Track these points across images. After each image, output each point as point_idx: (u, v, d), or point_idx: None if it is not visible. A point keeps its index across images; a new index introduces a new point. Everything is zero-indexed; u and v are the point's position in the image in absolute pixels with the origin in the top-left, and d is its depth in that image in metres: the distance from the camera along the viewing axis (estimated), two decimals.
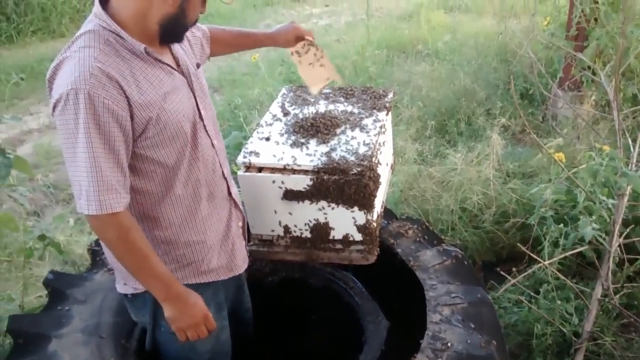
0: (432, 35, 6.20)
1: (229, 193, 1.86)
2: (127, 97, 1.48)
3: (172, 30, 1.58)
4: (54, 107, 1.47)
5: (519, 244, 2.62)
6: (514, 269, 2.78)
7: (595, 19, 3.88)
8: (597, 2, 3.81)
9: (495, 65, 5.02)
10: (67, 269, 2.96)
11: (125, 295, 1.78)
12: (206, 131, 1.73)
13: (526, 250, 2.50)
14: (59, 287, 2.06)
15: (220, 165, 1.81)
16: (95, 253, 2.26)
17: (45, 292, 2.13)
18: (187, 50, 1.76)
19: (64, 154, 1.49)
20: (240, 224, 1.93)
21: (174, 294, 1.62)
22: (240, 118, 4.22)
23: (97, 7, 1.54)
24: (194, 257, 1.75)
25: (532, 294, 2.64)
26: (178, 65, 1.68)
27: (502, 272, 2.66)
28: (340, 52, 6.18)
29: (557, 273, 2.55)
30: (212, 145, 1.76)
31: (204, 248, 1.76)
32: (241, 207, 1.92)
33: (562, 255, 2.64)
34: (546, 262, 2.55)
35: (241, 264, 1.92)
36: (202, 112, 1.72)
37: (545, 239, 2.72)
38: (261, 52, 6.47)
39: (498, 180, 3.28)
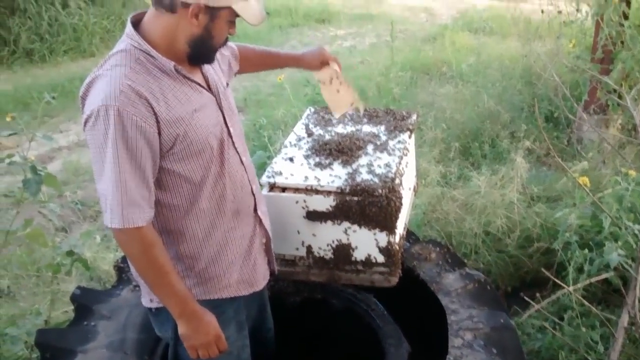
0: (457, 57, 6.21)
1: (255, 210, 1.88)
2: (155, 114, 1.52)
3: (199, 51, 1.62)
4: (85, 123, 1.52)
5: (543, 269, 2.59)
6: (538, 295, 2.74)
7: (622, 42, 3.86)
8: (623, 25, 3.79)
9: (520, 87, 5.00)
10: (94, 285, 3.00)
11: (150, 309, 1.80)
12: (235, 148, 1.77)
13: (550, 276, 2.47)
14: (85, 303, 2.10)
15: (249, 182, 1.83)
16: (121, 270, 2.30)
17: (72, 307, 2.17)
18: (216, 70, 1.81)
19: (93, 168, 1.54)
20: (264, 240, 1.94)
21: (190, 312, 1.64)
22: (265, 138, 4.26)
23: (129, 28, 1.59)
24: (216, 272, 1.77)
25: (556, 320, 2.60)
26: (208, 83, 1.72)
27: (525, 298, 2.63)
28: (364, 74, 6.22)
29: (582, 299, 2.50)
30: (241, 161, 1.79)
31: (225, 263, 1.78)
32: (267, 224, 1.94)
33: (587, 282, 2.61)
34: (571, 288, 2.51)
35: (261, 280, 1.93)
36: (231, 129, 1.75)
37: (569, 264, 2.68)
38: (286, 73, 6.54)
39: (522, 203, 3.26)
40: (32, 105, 5.93)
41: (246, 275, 1.85)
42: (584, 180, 2.83)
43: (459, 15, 9.07)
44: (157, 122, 1.53)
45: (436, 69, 5.99)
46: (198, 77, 1.69)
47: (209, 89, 1.72)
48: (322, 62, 2.10)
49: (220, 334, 1.70)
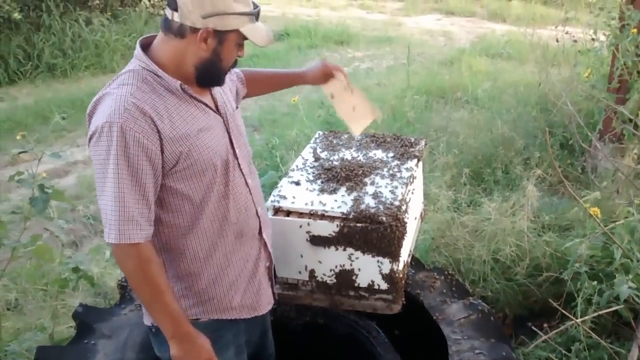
0: (473, 81, 6.20)
1: (260, 233, 1.88)
2: (159, 131, 1.54)
3: (208, 74, 1.65)
4: (90, 139, 1.55)
5: (551, 300, 2.55)
6: (545, 325, 2.69)
7: (638, 72, 3.82)
8: (639, 56, 3.76)
9: (535, 114, 4.97)
10: (98, 301, 3.02)
11: (150, 328, 1.79)
12: (240, 170, 1.78)
13: (558, 307, 2.43)
14: (86, 321, 2.11)
15: (254, 204, 1.83)
16: (124, 288, 2.31)
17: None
18: (225, 92, 1.82)
19: (96, 183, 1.56)
20: (268, 264, 1.93)
21: (183, 333, 1.63)
22: (277, 158, 4.29)
23: (138, 50, 1.63)
24: (216, 293, 1.77)
25: (563, 351, 2.56)
26: (216, 105, 1.74)
27: (533, 327, 2.59)
28: (380, 96, 6.24)
29: (590, 332, 2.46)
30: (246, 183, 1.80)
31: (226, 284, 1.78)
32: (270, 248, 1.93)
33: (596, 314, 2.56)
34: (579, 320, 2.47)
35: (265, 305, 1.92)
36: (237, 150, 1.76)
37: (579, 295, 2.64)
38: (301, 94, 6.60)
39: (532, 232, 3.22)
40: (51, 119, 6.01)
41: (249, 299, 1.85)
42: (595, 210, 2.80)
43: (478, 40, 9.09)
44: (160, 139, 1.55)
45: (451, 93, 5.97)
46: (207, 99, 1.71)
47: (217, 110, 1.74)
48: (325, 74, 2.10)
49: (212, 357, 1.68)
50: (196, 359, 1.65)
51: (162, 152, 1.56)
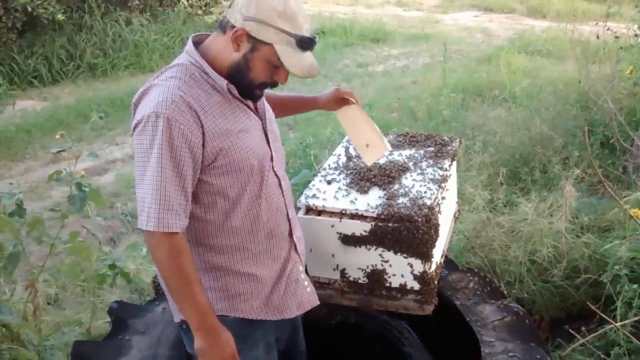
0: (511, 79, 6.09)
1: (290, 234, 1.88)
2: (202, 126, 1.57)
3: (236, 79, 1.65)
4: (135, 128, 1.58)
5: (588, 303, 2.49)
6: (583, 328, 2.64)
7: None
8: None
9: (575, 112, 4.85)
10: (134, 297, 3.08)
11: (181, 325, 1.81)
12: (274, 172, 1.79)
13: (596, 310, 2.37)
14: (121, 317, 2.15)
15: (286, 206, 1.84)
16: (159, 285, 2.34)
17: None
18: (264, 101, 1.84)
19: (135, 172, 1.59)
20: (301, 267, 1.92)
21: (208, 326, 1.64)
22: (311, 157, 4.29)
23: (189, 45, 1.66)
24: (243, 289, 1.77)
25: (602, 355, 2.49)
26: (256, 108, 1.76)
27: (570, 330, 2.53)
28: (415, 94, 6.19)
29: (630, 336, 2.40)
30: (280, 185, 1.81)
31: (253, 282, 1.78)
32: (301, 251, 1.92)
33: (637, 318, 2.49)
34: (618, 324, 2.41)
35: (294, 309, 1.88)
36: (273, 153, 1.78)
37: (618, 298, 2.57)
38: None
39: (570, 233, 3.14)
40: (92, 118, 6.16)
41: (276, 301, 1.83)
42: (636, 212, 2.72)
43: (517, 37, 8.93)
44: (203, 134, 1.58)
45: (489, 91, 5.88)
46: (249, 101, 1.73)
47: (257, 113, 1.76)
48: (337, 99, 2.06)
49: (235, 354, 1.68)
50: (220, 353, 1.65)
51: (204, 146, 1.59)
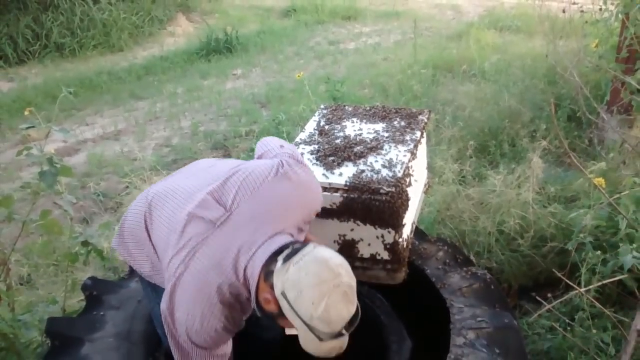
0: (480, 55, 6.15)
1: None
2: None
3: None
4: None
5: (555, 270, 2.56)
6: (549, 295, 2.72)
7: None
8: None
9: (543, 87, 4.94)
10: (109, 275, 3.07)
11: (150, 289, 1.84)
12: None
13: (562, 277, 2.45)
14: (95, 293, 2.15)
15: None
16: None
17: None
18: None
19: None
20: None
21: None
22: (284, 134, 4.30)
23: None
24: None
25: (567, 321, 2.57)
26: None
27: (537, 297, 2.61)
28: (387, 71, 6.22)
29: (594, 301, 2.48)
30: None
31: None
32: None
33: (600, 283, 2.57)
34: (583, 290, 2.49)
35: None
36: None
37: (583, 265, 2.65)
38: (307, 70, 6.58)
39: (538, 203, 3.22)
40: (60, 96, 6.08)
41: None
42: (600, 181, 2.80)
43: (486, 13, 8.99)
44: None
45: (458, 67, 5.94)
46: None
47: None
48: None
49: None
50: None
51: None
